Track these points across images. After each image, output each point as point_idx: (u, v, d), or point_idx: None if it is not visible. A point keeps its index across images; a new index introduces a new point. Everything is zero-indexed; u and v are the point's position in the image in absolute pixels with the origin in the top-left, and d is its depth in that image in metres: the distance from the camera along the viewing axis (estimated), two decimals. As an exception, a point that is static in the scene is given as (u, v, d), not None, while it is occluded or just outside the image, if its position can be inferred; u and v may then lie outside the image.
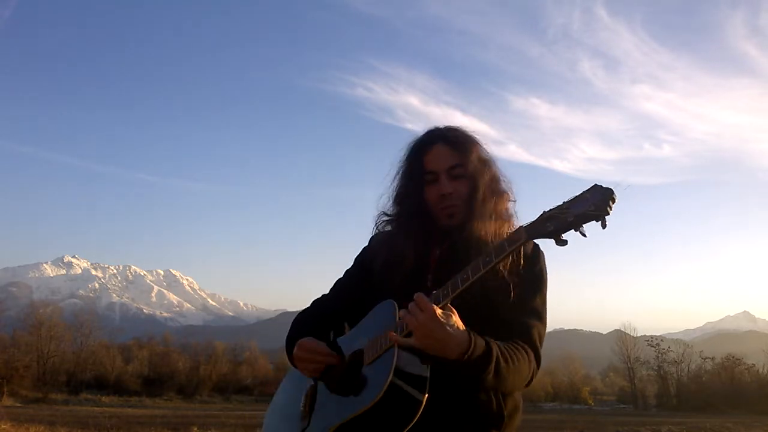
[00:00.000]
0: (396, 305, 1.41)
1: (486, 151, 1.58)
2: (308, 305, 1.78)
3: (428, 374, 1.32)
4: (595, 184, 1.16)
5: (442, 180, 1.53)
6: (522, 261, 1.47)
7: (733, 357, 46.03)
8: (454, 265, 1.38)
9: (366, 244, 1.76)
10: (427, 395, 1.29)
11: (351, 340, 1.55)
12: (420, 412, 1.27)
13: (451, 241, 1.53)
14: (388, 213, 1.66)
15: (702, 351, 48.67)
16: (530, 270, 1.49)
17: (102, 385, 39.81)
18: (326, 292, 1.79)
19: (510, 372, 1.32)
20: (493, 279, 1.43)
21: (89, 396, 35.02)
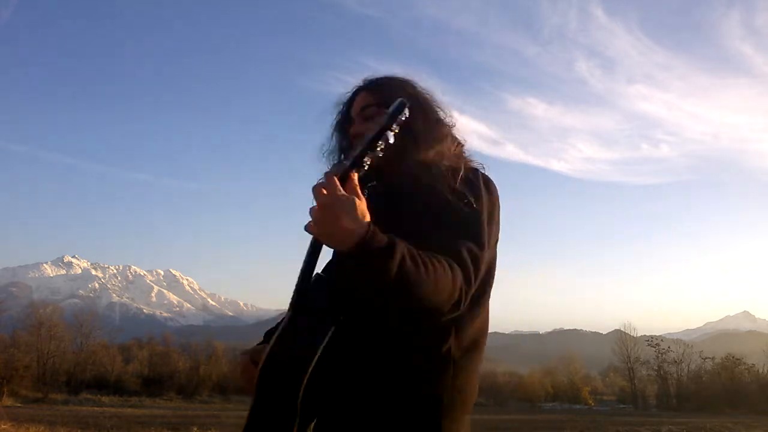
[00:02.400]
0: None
1: (415, 88, 1.44)
2: None
3: (324, 340, 1.16)
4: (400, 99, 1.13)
5: (356, 122, 1.44)
6: (457, 179, 1.29)
7: (733, 357, 46.07)
8: (381, 211, 1.19)
9: None
10: (315, 360, 1.13)
11: None
12: (306, 376, 1.12)
13: (371, 186, 1.37)
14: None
15: (702, 351, 48.71)
16: (465, 187, 1.28)
17: (102, 385, 39.81)
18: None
19: (422, 279, 1.05)
20: (411, 186, 1.28)
21: (89, 396, 35.03)
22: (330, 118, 1.55)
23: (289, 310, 1.25)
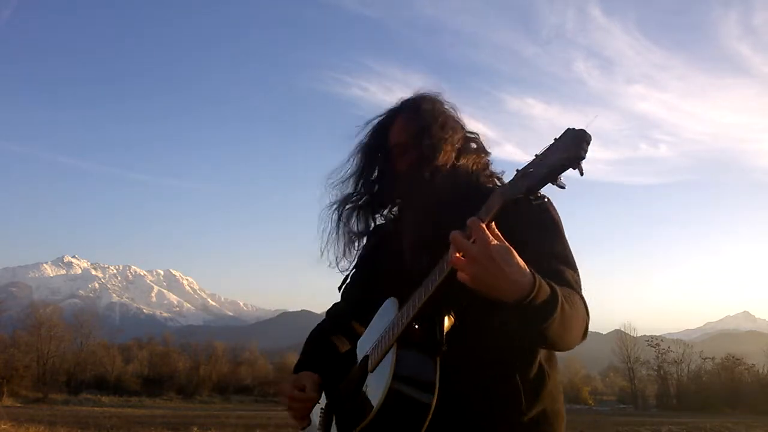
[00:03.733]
0: (396, 302, 1.32)
1: (444, 105, 1.48)
2: (323, 317, 1.69)
3: (436, 375, 1.19)
4: (568, 128, 1.01)
5: (409, 148, 1.44)
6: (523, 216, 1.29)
7: (733, 357, 46.02)
8: (437, 241, 1.26)
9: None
10: (435, 398, 1.16)
11: (362, 346, 1.46)
12: (429, 418, 1.15)
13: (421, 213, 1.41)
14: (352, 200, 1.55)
15: (702, 351, 48.67)
16: (538, 219, 1.30)
17: (102, 385, 39.82)
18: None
19: (572, 319, 1.11)
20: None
21: (89, 396, 35.02)
22: (347, 135, 1.54)
23: (396, 344, 1.22)
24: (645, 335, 51.80)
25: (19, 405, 27.27)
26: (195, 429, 14.36)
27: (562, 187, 1.01)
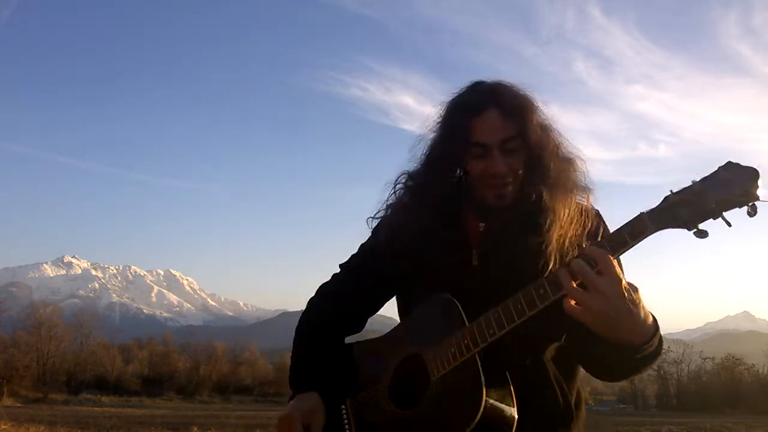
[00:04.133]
0: (456, 302, 1.17)
1: (544, 113, 1.28)
2: (315, 305, 1.44)
3: (511, 383, 1.12)
4: (730, 161, 0.96)
5: (495, 156, 1.23)
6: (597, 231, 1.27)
7: (733, 357, 46.01)
8: (505, 240, 1.23)
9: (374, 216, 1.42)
10: (516, 412, 1.09)
11: (393, 345, 1.29)
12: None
13: (500, 215, 1.26)
14: (414, 176, 1.35)
15: (702, 351, 48.67)
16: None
17: (102, 385, 39.81)
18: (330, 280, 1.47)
19: None
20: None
21: (89, 396, 35.02)
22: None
23: (478, 355, 1.12)
24: (645, 335, 51.74)
25: (19, 405, 27.27)
26: (195, 429, 14.36)
27: (729, 225, 0.96)
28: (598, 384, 61.37)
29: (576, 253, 1.18)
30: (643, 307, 0.99)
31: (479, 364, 1.09)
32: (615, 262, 0.97)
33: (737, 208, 0.95)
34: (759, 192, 0.94)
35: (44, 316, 40.85)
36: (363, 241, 1.46)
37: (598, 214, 1.31)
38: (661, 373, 46.90)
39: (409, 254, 1.31)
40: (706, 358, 47.21)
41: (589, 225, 1.26)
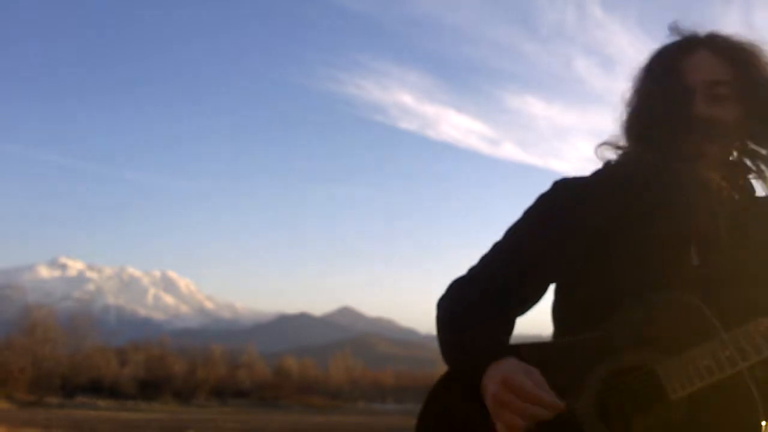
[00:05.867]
0: (702, 305, 0.92)
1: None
2: (467, 282, 1.12)
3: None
4: None
5: (697, 99, 1.01)
6: None
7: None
8: (736, 243, 0.98)
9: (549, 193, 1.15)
10: None
11: (589, 353, 0.99)
12: None
13: (733, 209, 1.02)
14: (622, 146, 1.09)
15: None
16: None
17: (97, 388, 39.56)
18: (478, 264, 1.13)
19: None
20: None
21: (85, 400, 34.79)
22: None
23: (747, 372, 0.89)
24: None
25: (13, 408, 27.01)
26: (192, 434, 14.18)
27: None
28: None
29: None
30: None
31: (749, 384, 0.85)
32: None
33: None
34: None
35: (39, 318, 40.61)
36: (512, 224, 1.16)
37: None
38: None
39: (598, 237, 1.04)
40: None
41: None
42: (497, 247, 1.14)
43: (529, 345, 1.05)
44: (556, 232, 1.08)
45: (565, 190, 1.13)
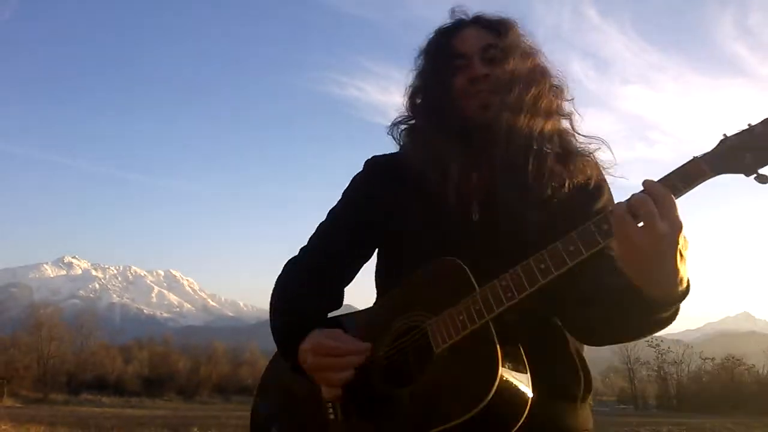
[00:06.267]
0: (462, 265, 1.01)
1: (528, 39, 1.21)
2: (292, 263, 1.26)
3: (526, 355, 0.97)
4: None
5: (475, 62, 1.15)
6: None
7: (733, 358, 46.01)
8: (506, 187, 1.09)
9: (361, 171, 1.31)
10: (531, 390, 0.95)
11: (388, 317, 1.10)
12: (527, 411, 0.94)
13: (490, 157, 1.12)
14: (405, 120, 1.25)
15: (702, 352, 48.68)
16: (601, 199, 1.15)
17: (102, 385, 39.83)
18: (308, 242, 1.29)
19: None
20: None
21: (90, 396, 35.06)
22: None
23: (491, 323, 0.96)
24: (645, 336, 51.84)
25: (19, 405, 27.29)
26: (195, 430, 14.35)
27: None
28: (598, 384, 61.36)
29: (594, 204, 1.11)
30: (686, 266, 0.88)
31: (493, 333, 0.94)
32: (672, 202, 0.86)
33: None
34: None
35: (44, 316, 40.92)
36: (332, 206, 1.32)
37: (599, 170, 1.19)
38: (661, 373, 46.93)
39: (392, 210, 1.18)
40: (706, 359, 47.21)
41: (593, 176, 1.15)
42: (319, 227, 1.30)
43: (346, 315, 1.21)
44: (364, 206, 1.24)
45: (370, 166, 1.30)
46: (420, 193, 1.16)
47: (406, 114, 1.25)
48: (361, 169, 1.31)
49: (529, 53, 1.18)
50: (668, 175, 0.90)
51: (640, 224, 0.86)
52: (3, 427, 11.49)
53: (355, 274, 1.29)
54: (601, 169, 1.19)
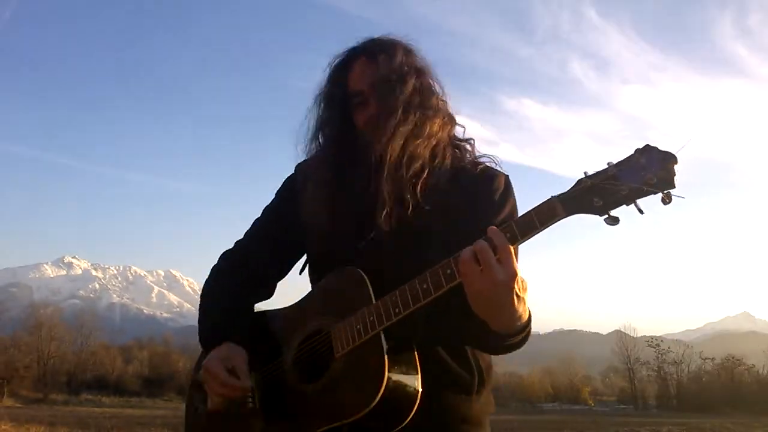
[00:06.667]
0: (364, 276, 1.12)
1: (417, 58, 1.24)
2: (225, 255, 1.39)
3: (418, 358, 1.09)
4: (648, 145, 0.91)
5: (371, 100, 1.21)
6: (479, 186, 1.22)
7: (733, 358, 46.05)
8: (418, 211, 1.17)
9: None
10: (420, 387, 1.07)
11: (302, 317, 1.22)
12: (415, 409, 1.06)
13: (369, 179, 1.19)
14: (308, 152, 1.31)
15: (702, 352, 48.72)
16: (497, 200, 1.21)
17: (102, 385, 39.82)
18: (242, 237, 1.41)
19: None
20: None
21: (90, 396, 35.05)
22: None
23: (383, 333, 1.08)
24: (645, 336, 52.01)
25: (19, 405, 27.30)
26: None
27: (641, 212, 0.91)
28: (599, 385, 61.36)
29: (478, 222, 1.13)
30: (524, 304, 0.99)
31: (383, 341, 1.06)
32: (513, 253, 0.95)
33: (652, 195, 0.90)
34: (676, 179, 0.89)
35: (44, 316, 40.91)
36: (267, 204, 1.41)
37: (506, 181, 1.24)
38: (661, 373, 46.95)
39: (309, 221, 1.26)
40: (706, 359, 47.24)
41: (486, 189, 1.21)
42: (254, 223, 1.41)
43: (272, 310, 1.33)
44: (287, 208, 1.33)
45: (298, 169, 1.38)
46: (330, 200, 1.23)
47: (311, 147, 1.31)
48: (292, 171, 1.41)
49: (416, 73, 1.22)
50: (528, 212, 0.97)
51: (481, 269, 0.94)
52: (3, 427, 11.50)
53: (288, 269, 1.38)
54: (501, 180, 1.24)
